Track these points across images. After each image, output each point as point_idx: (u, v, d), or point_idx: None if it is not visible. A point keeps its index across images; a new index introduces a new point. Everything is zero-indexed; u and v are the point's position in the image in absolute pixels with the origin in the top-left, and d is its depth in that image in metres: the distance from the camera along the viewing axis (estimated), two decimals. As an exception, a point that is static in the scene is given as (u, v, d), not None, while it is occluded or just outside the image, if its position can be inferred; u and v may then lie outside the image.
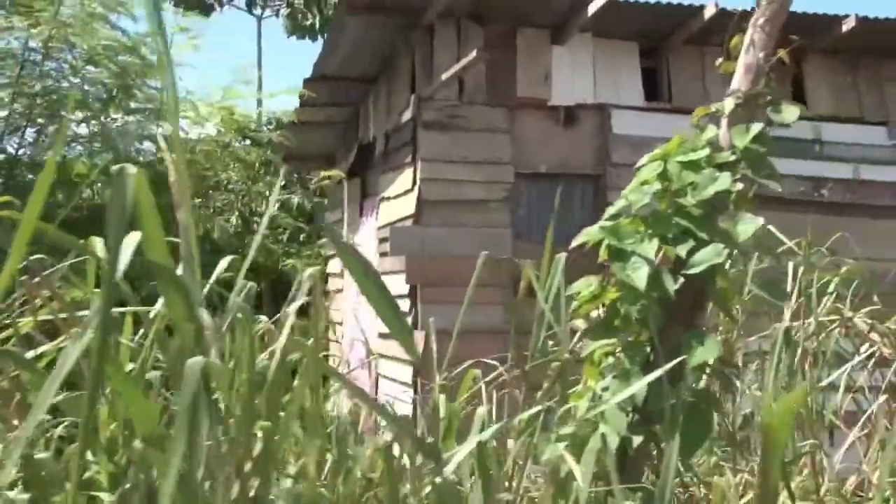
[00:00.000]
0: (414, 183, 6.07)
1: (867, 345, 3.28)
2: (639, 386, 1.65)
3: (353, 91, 7.54)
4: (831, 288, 3.50)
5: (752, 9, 2.03)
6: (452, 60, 5.93)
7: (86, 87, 6.87)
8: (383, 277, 1.42)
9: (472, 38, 6.12)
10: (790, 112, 1.94)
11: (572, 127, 6.37)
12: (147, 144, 7.52)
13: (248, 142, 12.25)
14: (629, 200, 1.85)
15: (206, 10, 18.75)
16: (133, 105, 6.97)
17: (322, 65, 6.85)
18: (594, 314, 1.90)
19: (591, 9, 5.82)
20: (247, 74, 9.75)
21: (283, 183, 10.19)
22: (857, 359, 3.12)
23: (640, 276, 1.73)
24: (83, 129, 7.07)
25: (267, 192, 10.25)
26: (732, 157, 1.85)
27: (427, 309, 5.79)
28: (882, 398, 2.80)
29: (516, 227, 6.16)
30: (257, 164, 10.62)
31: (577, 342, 1.95)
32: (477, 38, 6.12)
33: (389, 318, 1.35)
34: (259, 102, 12.02)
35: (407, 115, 6.26)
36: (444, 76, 5.75)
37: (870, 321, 3.26)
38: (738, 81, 1.97)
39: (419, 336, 5.02)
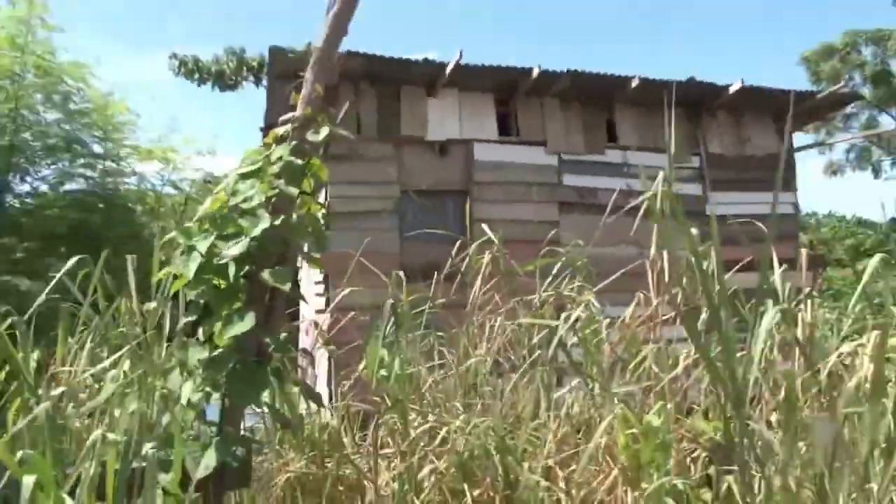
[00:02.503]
0: (326, 199, 8.32)
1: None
2: (194, 355, 2.17)
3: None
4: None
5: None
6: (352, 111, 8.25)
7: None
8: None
9: (366, 94, 8.47)
10: (323, 133, 2.42)
11: (445, 156, 8.67)
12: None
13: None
14: (206, 207, 2.24)
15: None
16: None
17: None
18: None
19: (447, 70, 8.17)
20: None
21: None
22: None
23: (191, 267, 2.10)
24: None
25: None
26: (277, 169, 2.31)
27: (335, 292, 7.97)
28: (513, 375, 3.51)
29: (403, 231, 8.38)
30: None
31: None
32: (371, 94, 8.47)
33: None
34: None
35: (321, 151, 8.55)
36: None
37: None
38: (299, 109, 2.44)
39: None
